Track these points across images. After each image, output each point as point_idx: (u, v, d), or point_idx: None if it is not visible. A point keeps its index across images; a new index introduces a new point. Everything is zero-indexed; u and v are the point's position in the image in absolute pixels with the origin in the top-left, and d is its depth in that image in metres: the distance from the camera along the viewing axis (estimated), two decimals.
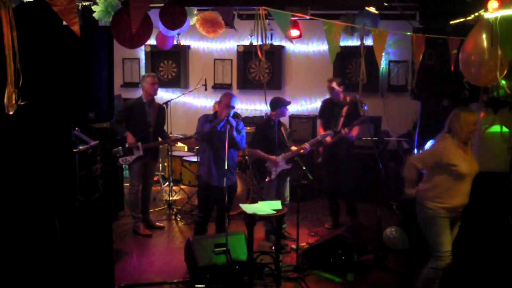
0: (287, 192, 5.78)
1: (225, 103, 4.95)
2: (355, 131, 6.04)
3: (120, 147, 5.72)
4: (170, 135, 6.68)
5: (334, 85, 6.06)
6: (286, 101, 5.63)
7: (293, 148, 5.65)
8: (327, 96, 8.22)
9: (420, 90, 5.21)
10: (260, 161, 5.67)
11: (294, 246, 5.22)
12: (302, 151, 5.59)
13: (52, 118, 3.19)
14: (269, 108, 5.64)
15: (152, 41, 5.96)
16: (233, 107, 4.97)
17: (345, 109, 6.05)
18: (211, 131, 4.95)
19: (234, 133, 4.92)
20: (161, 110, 6.05)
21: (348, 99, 6.14)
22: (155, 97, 5.95)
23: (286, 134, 5.75)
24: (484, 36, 2.96)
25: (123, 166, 6.74)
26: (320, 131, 6.22)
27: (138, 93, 5.96)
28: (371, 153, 6.13)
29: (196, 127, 5.21)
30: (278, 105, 5.56)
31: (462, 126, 3.80)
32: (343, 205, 6.44)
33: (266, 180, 5.61)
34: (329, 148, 6.12)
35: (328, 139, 6.00)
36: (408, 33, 4.40)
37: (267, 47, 3.50)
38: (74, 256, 3.47)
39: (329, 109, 6.25)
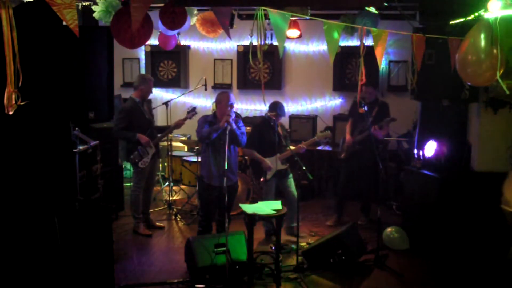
0: (292, 189, 5.76)
1: (225, 102, 4.95)
2: (384, 131, 6.10)
3: (136, 152, 5.69)
4: (170, 135, 6.68)
5: (370, 89, 6.11)
6: (284, 112, 5.73)
7: (291, 147, 5.66)
8: (328, 96, 8.29)
9: (420, 90, 5.21)
10: (256, 161, 5.69)
11: (294, 246, 5.23)
12: (298, 151, 5.62)
13: (52, 118, 3.19)
14: (267, 109, 5.68)
15: (152, 41, 5.96)
16: (232, 106, 4.98)
17: (375, 109, 6.05)
18: (210, 135, 4.95)
19: (234, 126, 4.91)
20: (149, 105, 6.06)
21: (379, 100, 6.20)
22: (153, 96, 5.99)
23: (284, 134, 5.77)
24: (481, 36, 2.96)
25: (123, 166, 6.76)
26: (347, 130, 6.32)
27: (133, 95, 5.88)
28: (371, 153, 6.13)
29: (196, 129, 5.20)
30: (277, 109, 5.59)
31: None
32: (349, 204, 6.49)
33: (261, 180, 5.64)
34: (354, 146, 6.18)
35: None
36: (408, 33, 4.40)
37: (265, 48, 3.50)
38: (74, 256, 3.47)
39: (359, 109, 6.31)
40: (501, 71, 2.92)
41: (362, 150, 6.14)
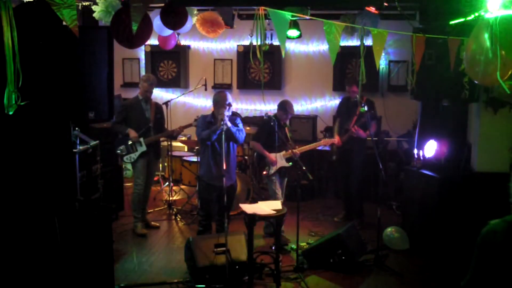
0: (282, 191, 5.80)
1: (223, 103, 4.96)
2: (372, 128, 6.08)
3: (123, 146, 5.79)
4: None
5: (354, 88, 6.16)
6: (293, 110, 5.79)
7: (294, 150, 5.66)
8: (328, 96, 8.30)
9: (420, 90, 5.21)
10: (261, 155, 5.74)
11: (294, 246, 5.23)
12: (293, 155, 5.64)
13: (52, 118, 3.19)
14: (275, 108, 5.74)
15: (152, 41, 5.95)
16: (230, 105, 5.00)
17: (359, 108, 6.08)
18: (210, 136, 4.96)
19: (229, 125, 4.90)
20: (159, 107, 6.12)
21: (364, 98, 6.25)
22: (153, 96, 6.08)
23: (290, 134, 5.82)
24: (486, 35, 2.96)
25: (123, 166, 6.77)
26: (335, 130, 6.43)
27: (138, 93, 6.03)
28: (371, 153, 6.14)
29: (196, 130, 5.20)
30: (286, 107, 5.66)
31: None
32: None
33: (264, 173, 5.67)
34: (342, 146, 6.22)
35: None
36: (408, 33, 4.39)
37: (265, 48, 3.49)
38: (74, 256, 3.47)
39: (345, 107, 6.38)
40: (510, 73, 2.91)
41: (350, 150, 6.18)
